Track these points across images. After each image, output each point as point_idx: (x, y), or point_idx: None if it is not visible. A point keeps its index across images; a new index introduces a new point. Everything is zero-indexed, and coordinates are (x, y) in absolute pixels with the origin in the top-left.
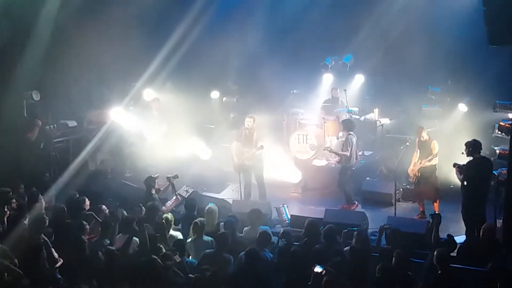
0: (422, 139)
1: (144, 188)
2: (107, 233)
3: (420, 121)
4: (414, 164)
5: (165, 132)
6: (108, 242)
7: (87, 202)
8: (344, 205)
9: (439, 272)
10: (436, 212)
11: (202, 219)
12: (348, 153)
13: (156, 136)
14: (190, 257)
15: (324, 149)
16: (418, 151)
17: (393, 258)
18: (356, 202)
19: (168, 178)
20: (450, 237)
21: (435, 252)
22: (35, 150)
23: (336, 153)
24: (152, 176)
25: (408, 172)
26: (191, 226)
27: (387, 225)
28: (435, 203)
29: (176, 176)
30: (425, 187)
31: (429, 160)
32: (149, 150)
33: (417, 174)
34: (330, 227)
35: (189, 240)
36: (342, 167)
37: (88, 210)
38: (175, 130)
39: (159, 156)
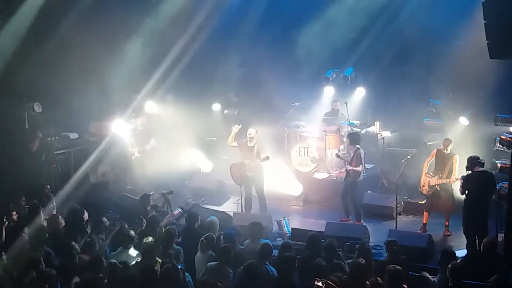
0: (446, 151)
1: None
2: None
3: (421, 135)
4: (428, 175)
5: (152, 147)
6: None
7: (86, 214)
8: (343, 218)
9: (450, 285)
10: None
11: (210, 234)
12: (359, 168)
13: (138, 151)
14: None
15: (335, 155)
16: (434, 162)
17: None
18: (362, 221)
19: (163, 194)
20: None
21: (449, 265)
22: (37, 162)
23: (343, 159)
24: (147, 193)
25: (420, 182)
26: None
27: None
28: (447, 215)
29: (171, 192)
30: (441, 200)
31: (455, 178)
32: (150, 163)
33: (436, 188)
34: (330, 241)
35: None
36: (352, 182)
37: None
38: (175, 143)
39: (160, 169)
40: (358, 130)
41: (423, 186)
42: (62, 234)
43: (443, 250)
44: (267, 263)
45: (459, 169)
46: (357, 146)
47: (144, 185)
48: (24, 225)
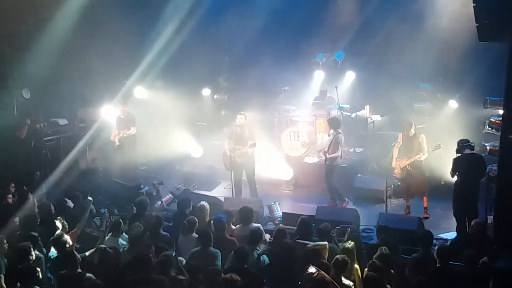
0: (410, 134)
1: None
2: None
3: (411, 118)
4: (397, 159)
5: (132, 134)
6: None
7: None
8: (329, 203)
9: (438, 265)
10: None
11: (192, 218)
12: (338, 154)
13: (119, 139)
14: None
15: (319, 151)
16: (402, 145)
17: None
18: (347, 199)
19: (153, 184)
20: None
21: (437, 246)
22: (26, 149)
23: (331, 156)
24: (140, 186)
25: (392, 166)
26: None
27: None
28: (424, 198)
29: (161, 183)
30: (414, 181)
31: (433, 150)
32: (141, 148)
33: (408, 168)
34: (325, 225)
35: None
36: (328, 166)
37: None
38: (165, 128)
39: (150, 154)
40: (348, 114)
41: (395, 169)
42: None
43: (422, 232)
44: (258, 249)
45: (445, 152)
46: (338, 130)
47: (135, 171)
48: (14, 211)
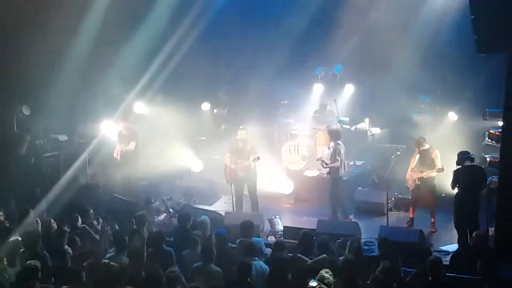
0: (421, 148)
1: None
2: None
3: (411, 130)
4: (413, 170)
5: (132, 150)
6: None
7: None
8: (330, 217)
9: (430, 279)
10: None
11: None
12: (338, 164)
13: (120, 155)
14: None
15: (317, 160)
16: (418, 158)
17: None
18: (350, 217)
19: (163, 200)
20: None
21: (428, 259)
22: (26, 165)
23: (330, 167)
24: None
25: (406, 177)
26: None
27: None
28: (432, 212)
29: (170, 198)
30: (422, 195)
31: (436, 171)
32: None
33: (417, 182)
34: (323, 238)
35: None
36: (333, 178)
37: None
38: (165, 143)
39: (151, 169)
40: (348, 127)
41: (408, 180)
42: (54, 238)
43: (420, 249)
44: (257, 259)
45: (446, 165)
46: (338, 142)
47: (135, 186)
48: (15, 228)
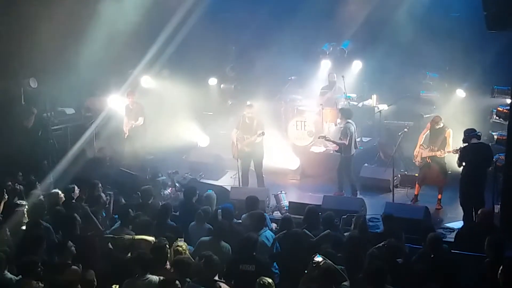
0: (437, 126)
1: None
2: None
3: (419, 107)
4: (421, 147)
5: (140, 125)
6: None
7: (77, 191)
8: (336, 192)
9: (432, 256)
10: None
11: (206, 207)
12: (346, 142)
13: (129, 129)
14: None
15: (319, 137)
16: (427, 134)
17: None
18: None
19: (168, 174)
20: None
21: (428, 236)
22: (33, 138)
23: (333, 142)
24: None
25: (414, 153)
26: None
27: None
28: (440, 189)
29: (176, 172)
30: (432, 173)
31: (454, 152)
32: (148, 137)
33: (427, 160)
34: (329, 214)
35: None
36: (343, 158)
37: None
38: (172, 117)
39: (157, 143)
40: (355, 103)
41: (416, 157)
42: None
43: (424, 227)
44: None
45: (454, 143)
46: (348, 120)
47: (142, 161)
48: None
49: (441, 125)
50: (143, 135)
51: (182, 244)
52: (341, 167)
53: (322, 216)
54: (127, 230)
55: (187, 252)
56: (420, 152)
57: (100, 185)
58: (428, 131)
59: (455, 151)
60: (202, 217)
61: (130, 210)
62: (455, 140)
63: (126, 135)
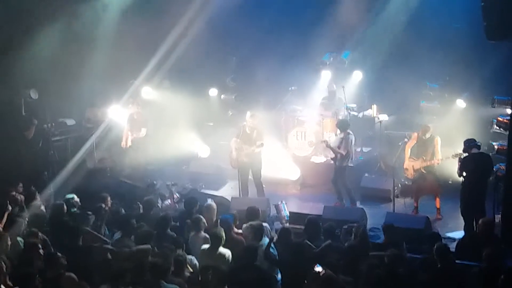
0: (425, 137)
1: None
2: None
3: (419, 118)
4: (411, 159)
5: (142, 135)
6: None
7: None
8: (336, 203)
9: (439, 266)
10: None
11: (197, 216)
12: (344, 152)
13: (131, 140)
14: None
15: (321, 142)
16: (416, 145)
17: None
18: (357, 203)
19: (167, 185)
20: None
21: (435, 246)
22: (33, 149)
23: (332, 149)
24: (153, 182)
25: (404, 166)
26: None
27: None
28: (437, 199)
29: (175, 184)
30: (427, 183)
31: (454, 156)
32: (142, 151)
33: (422, 171)
34: (330, 225)
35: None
36: (337, 167)
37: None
38: (173, 128)
39: (158, 154)
40: (355, 113)
41: (407, 170)
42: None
43: (430, 233)
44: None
45: (442, 151)
46: (348, 131)
47: (142, 171)
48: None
49: (429, 135)
50: (143, 146)
51: (182, 254)
52: (336, 177)
53: (323, 227)
54: (128, 240)
55: (187, 263)
56: (411, 164)
57: (109, 198)
58: (415, 142)
59: (455, 156)
60: (194, 226)
61: (133, 221)
62: (455, 149)
63: (125, 145)
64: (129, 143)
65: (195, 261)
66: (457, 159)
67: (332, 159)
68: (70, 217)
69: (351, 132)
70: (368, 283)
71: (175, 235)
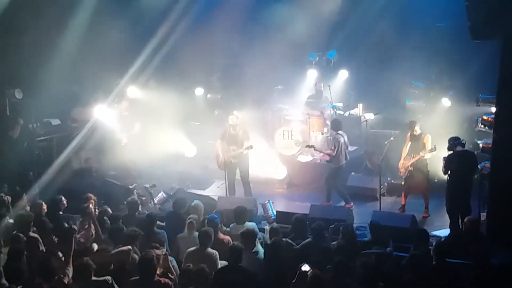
0: (415, 133)
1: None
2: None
3: (405, 116)
4: (405, 158)
5: (137, 131)
6: None
7: (64, 201)
8: (324, 202)
9: (434, 263)
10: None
11: (194, 216)
12: (333, 152)
13: (126, 137)
14: None
15: (306, 147)
16: (409, 145)
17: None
18: (352, 203)
19: (146, 188)
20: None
21: (434, 243)
22: (18, 149)
23: (320, 151)
24: (130, 187)
25: (399, 166)
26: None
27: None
28: (425, 196)
29: (153, 186)
30: (417, 181)
31: (428, 152)
32: (133, 148)
33: (409, 168)
34: (318, 224)
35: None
36: (332, 168)
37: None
38: (159, 128)
39: (144, 154)
40: (341, 112)
41: (401, 168)
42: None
43: (417, 230)
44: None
45: (438, 150)
46: (338, 132)
47: (129, 171)
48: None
49: (418, 131)
50: (139, 142)
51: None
52: (329, 176)
53: (312, 226)
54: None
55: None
56: (404, 163)
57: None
58: (409, 141)
59: (431, 150)
60: (193, 226)
61: (120, 222)
62: (441, 148)
63: (123, 143)
64: (125, 140)
65: (174, 263)
66: (439, 156)
67: (327, 161)
68: (53, 218)
69: (340, 133)
70: (359, 280)
71: (165, 232)
